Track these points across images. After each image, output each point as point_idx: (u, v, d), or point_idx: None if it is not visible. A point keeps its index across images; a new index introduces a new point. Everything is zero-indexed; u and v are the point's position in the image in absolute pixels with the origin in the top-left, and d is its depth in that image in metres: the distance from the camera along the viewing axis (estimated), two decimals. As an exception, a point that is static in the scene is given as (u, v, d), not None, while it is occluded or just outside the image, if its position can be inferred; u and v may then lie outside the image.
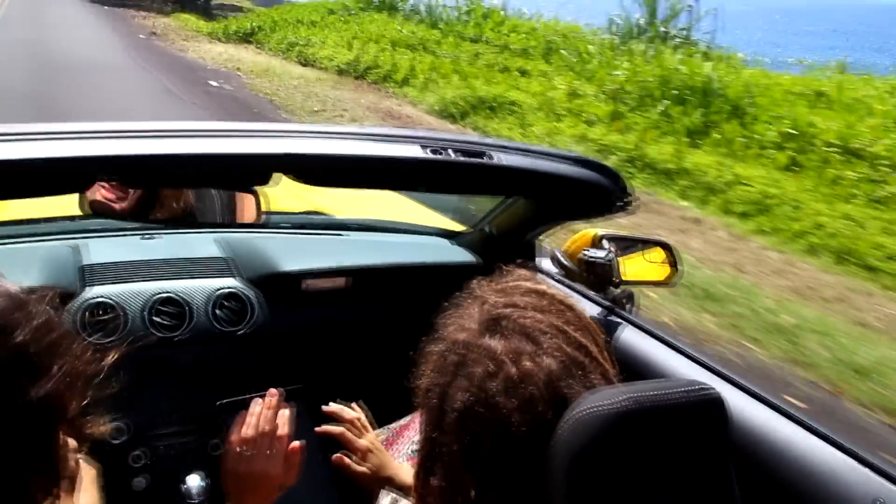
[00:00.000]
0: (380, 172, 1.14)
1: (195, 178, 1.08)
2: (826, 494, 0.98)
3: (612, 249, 1.67)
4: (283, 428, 1.13)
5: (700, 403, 0.77)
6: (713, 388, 0.78)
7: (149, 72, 12.33)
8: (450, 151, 1.11)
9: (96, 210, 1.33)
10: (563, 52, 11.66)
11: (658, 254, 1.82)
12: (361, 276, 1.75)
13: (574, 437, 0.73)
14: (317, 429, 1.34)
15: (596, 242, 1.75)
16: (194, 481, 1.35)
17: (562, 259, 1.86)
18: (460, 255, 1.91)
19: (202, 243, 1.79)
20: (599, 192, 1.25)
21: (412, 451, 1.41)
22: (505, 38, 13.12)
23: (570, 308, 0.83)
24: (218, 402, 1.32)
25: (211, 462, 1.54)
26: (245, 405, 1.32)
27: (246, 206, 1.71)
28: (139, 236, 1.79)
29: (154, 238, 1.79)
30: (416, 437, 1.43)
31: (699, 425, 0.77)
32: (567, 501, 0.73)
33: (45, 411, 0.77)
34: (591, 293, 1.73)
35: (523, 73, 11.12)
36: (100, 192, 1.53)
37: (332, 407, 1.39)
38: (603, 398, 0.74)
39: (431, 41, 13.54)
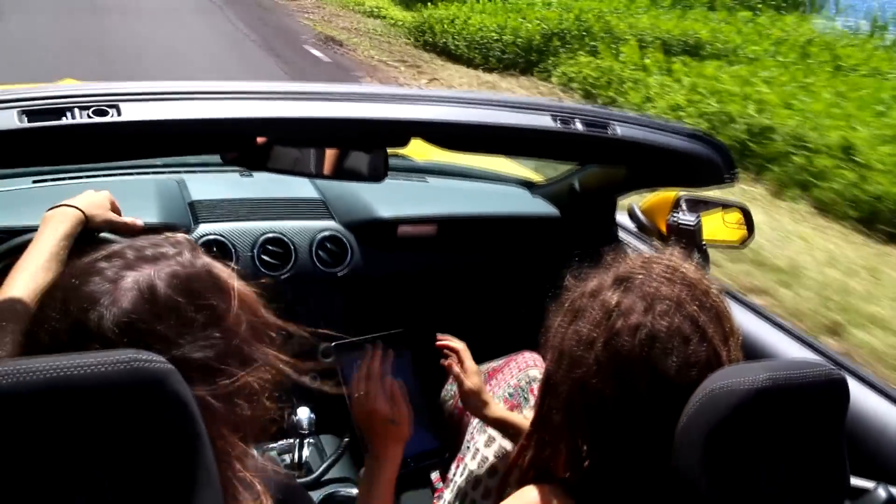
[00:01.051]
0: (512, 140, 1.19)
1: (341, 139, 1.14)
2: None
3: (699, 213, 1.73)
4: (388, 370, 1.25)
5: (828, 384, 0.84)
6: (838, 371, 0.85)
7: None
8: (577, 122, 1.16)
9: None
10: None
11: (736, 215, 1.88)
12: (449, 224, 1.82)
13: (712, 409, 0.80)
14: (438, 343, 1.46)
15: (677, 203, 1.81)
16: (304, 413, 1.45)
17: (640, 216, 1.91)
18: (541, 207, 1.96)
19: (297, 182, 1.86)
20: (709, 167, 1.30)
21: (509, 394, 1.50)
22: None
23: (705, 293, 0.88)
24: (334, 343, 1.41)
25: (309, 395, 1.65)
26: (357, 346, 1.42)
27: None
28: (238, 173, 1.87)
29: (252, 175, 1.86)
30: (513, 382, 1.52)
31: (825, 404, 0.84)
32: (703, 470, 0.80)
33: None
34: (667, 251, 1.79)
35: None
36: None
37: (444, 337, 1.50)
38: (741, 374, 0.81)
39: None
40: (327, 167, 1.20)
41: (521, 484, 0.99)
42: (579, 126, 1.16)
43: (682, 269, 0.90)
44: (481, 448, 1.45)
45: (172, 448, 0.63)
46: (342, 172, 1.21)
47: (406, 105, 1.10)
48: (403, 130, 1.11)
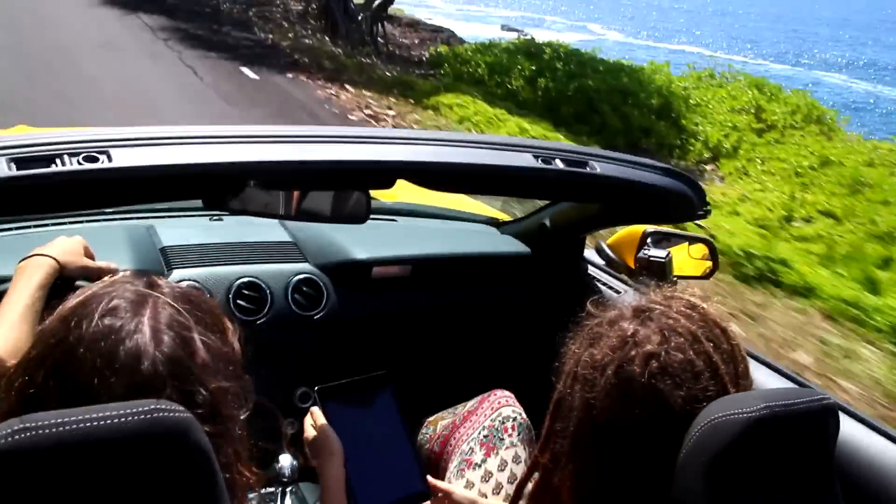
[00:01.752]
0: (495, 179, 1.21)
1: (329, 182, 1.14)
2: None
3: (669, 249, 1.77)
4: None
5: (821, 411, 0.86)
6: (830, 398, 0.87)
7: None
8: (557, 161, 1.18)
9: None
10: None
11: (701, 249, 1.93)
12: (422, 264, 1.82)
13: (713, 438, 0.81)
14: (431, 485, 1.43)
15: (645, 238, 1.85)
16: (286, 461, 1.42)
17: (608, 251, 1.95)
18: (511, 245, 1.98)
19: (267, 225, 1.84)
20: (684, 203, 1.33)
21: (483, 437, 1.49)
22: None
23: (723, 332, 0.90)
24: (317, 387, 1.39)
25: (291, 441, 1.62)
26: (341, 390, 1.41)
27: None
28: (207, 218, 1.85)
29: (222, 220, 1.85)
30: (486, 423, 1.52)
31: (819, 430, 0.87)
32: (705, 498, 0.81)
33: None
34: (637, 286, 1.82)
35: None
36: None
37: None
38: (738, 404, 0.83)
39: None
40: (310, 209, 1.20)
41: None
42: (560, 164, 1.18)
43: (701, 307, 0.92)
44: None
45: (192, 497, 0.62)
46: (325, 214, 1.21)
47: (390, 146, 1.11)
48: (389, 172, 1.12)
